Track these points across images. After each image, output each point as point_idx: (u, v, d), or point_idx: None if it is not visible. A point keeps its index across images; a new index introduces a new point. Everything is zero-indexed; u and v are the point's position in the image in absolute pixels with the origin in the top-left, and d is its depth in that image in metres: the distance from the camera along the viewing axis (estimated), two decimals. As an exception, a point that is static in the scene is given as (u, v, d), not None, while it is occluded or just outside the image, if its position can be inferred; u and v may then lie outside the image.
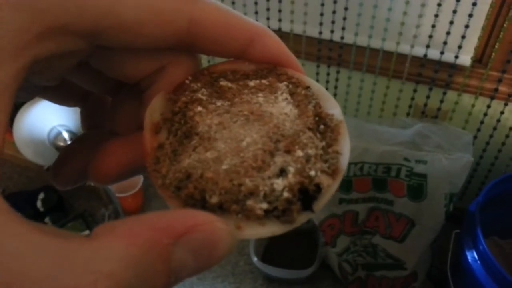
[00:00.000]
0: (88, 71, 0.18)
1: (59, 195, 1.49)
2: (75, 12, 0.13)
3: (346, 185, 1.09)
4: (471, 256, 0.95)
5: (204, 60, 1.12)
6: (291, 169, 0.15)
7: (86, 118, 0.22)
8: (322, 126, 0.18)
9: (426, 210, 1.06)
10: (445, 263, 1.08)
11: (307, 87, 0.18)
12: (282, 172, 0.15)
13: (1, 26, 0.12)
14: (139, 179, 1.47)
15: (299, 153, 0.16)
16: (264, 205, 0.15)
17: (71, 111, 1.09)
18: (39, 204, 1.43)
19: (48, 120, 1.13)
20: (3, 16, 0.12)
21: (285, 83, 0.18)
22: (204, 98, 0.17)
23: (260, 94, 0.18)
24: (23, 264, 0.10)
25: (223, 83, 0.18)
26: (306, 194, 0.16)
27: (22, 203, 1.43)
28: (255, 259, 1.26)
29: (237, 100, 0.18)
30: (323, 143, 0.17)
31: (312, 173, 0.16)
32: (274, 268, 1.24)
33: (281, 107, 0.17)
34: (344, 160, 0.17)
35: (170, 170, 0.16)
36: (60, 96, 0.21)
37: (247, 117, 0.17)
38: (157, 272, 0.12)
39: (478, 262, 0.94)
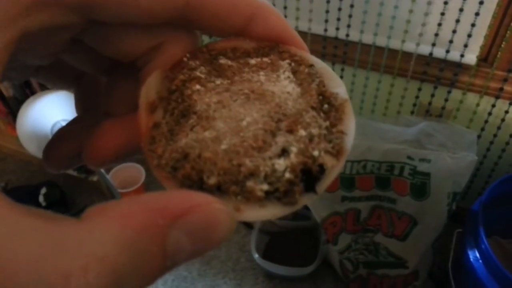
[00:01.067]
0: (82, 49, 0.18)
1: (61, 190, 1.50)
2: None
3: (349, 183, 1.09)
4: (473, 255, 0.95)
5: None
6: (293, 149, 0.15)
7: (79, 100, 0.22)
8: (326, 106, 0.17)
9: (428, 209, 1.06)
10: (447, 262, 1.08)
11: (311, 65, 0.18)
12: (284, 152, 0.15)
13: None
14: (141, 175, 1.47)
15: (302, 132, 0.15)
16: (265, 186, 0.14)
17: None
18: (41, 198, 1.44)
19: (51, 115, 1.13)
20: None
21: (287, 61, 0.18)
22: (202, 76, 0.17)
23: (261, 73, 0.17)
24: (10, 248, 0.10)
25: (222, 61, 0.17)
26: (309, 175, 0.15)
27: (24, 198, 1.44)
28: (256, 255, 1.26)
29: (237, 78, 0.17)
30: (327, 123, 0.16)
31: (316, 153, 0.15)
32: (275, 265, 1.25)
33: (283, 86, 0.17)
34: (349, 140, 0.16)
35: (166, 150, 0.15)
36: (52, 77, 0.20)
37: (247, 95, 0.16)
38: (152, 255, 0.12)
39: (480, 261, 0.94)
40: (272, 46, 0.18)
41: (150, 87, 0.17)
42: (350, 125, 0.17)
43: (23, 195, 1.45)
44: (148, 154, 0.16)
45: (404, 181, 1.06)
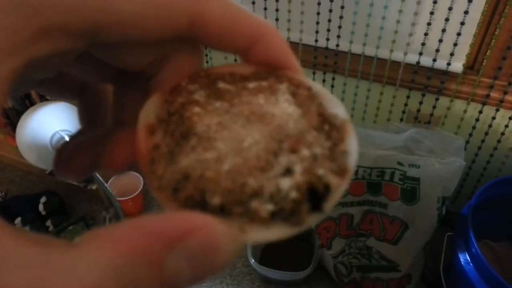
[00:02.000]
0: (88, 60, 0.17)
1: (60, 198, 1.52)
2: (72, 10, 0.13)
3: (341, 188, 1.11)
4: (464, 258, 0.97)
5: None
6: (298, 168, 0.15)
7: (82, 112, 0.22)
8: (327, 126, 0.17)
9: (419, 213, 1.07)
10: (439, 265, 1.10)
11: (309, 88, 0.18)
12: (288, 172, 0.15)
13: None
14: (139, 183, 1.50)
15: (305, 152, 0.15)
16: (270, 206, 0.14)
17: (72, 116, 1.11)
18: (41, 207, 1.46)
19: (51, 125, 1.15)
20: None
21: (285, 84, 0.17)
22: (201, 99, 0.17)
23: (260, 96, 0.17)
24: (4, 276, 0.10)
25: (221, 85, 0.17)
26: (315, 194, 0.15)
27: (24, 207, 1.45)
28: (252, 261, 1.28)
29: (237, 101, 0.17)
30: (330, 143, 0.16)
31: (321, 172, 0.15)
32: (271, 270, 1.26)
33: (283, 108, 0.16)
34: (352, 159, 0.16)
35: (167, 171, 0.15)
36: (55, 89, 0.20)
37: (248, 117, 0.16)
38: (148, 282, 0.11)
39: (471, 264, 0.95)
40: (269, 71, 0.18)
41: (149, 111, 0.17)
42: (352, 144, 0.17)
43: (23, 204, 1.47)
44: (148, 176, 0.15)
45: (395, 186, 1.08)
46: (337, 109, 0.18)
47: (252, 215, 0.14)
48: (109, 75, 0.20)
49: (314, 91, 0.18)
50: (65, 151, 0.20)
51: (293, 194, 0.14)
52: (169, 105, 0.17)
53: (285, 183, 0.14)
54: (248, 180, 0.14)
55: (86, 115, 0.22)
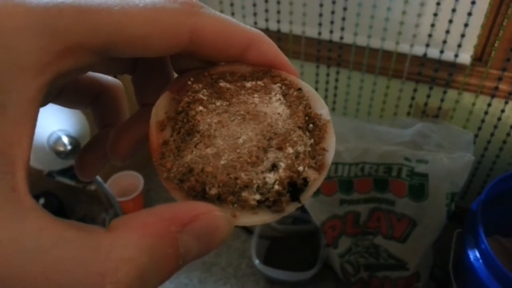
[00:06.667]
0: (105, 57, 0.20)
1: (59, 200, 1.49)
2: (90, 32, 0.15)
3: (347, 185, 1.09)
4: (473, 255, 0.95)
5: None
6: (282, 165, 0.17)
7: (98, 119, 0.24)
8: (311, 125, 0.19)
9: (427, 209, 1.05)
10: (448, 262, 1.08)
11: (299, 89, 0.20)
12: (274, 167, 0.17)
13: (26, 48, 0.14)
14: (139, 183, 1.47)
15: (290, 150, 0.17)
16: (257, 196, 0.17)
17: (70, 115, 1.09)
18: (39, 209, 1.44)
19: (48, 125, 1.12)
20: (27, 39, 0.14)
21: (278, 84, 0.20)
22: (205, 98, 0.19)
23: (255, 95, 0.19)
24: (56, 255, 0.13)
25: (222, 84, 0.19)
26: (294, 187, 0.17)
27: (23, 208, 1.43)
28: (257, 261, 1.26)
29: (235, 100, 0.19)
30: (312, 141, 0.19)
31: (301, 168, 0.17)
32: (276, 270, 1.24)
33: (275, 107, 0.19)
34: (330, 156, 0.19)
35: (174, 164, 0.17)
36: (71, 99, 0.23)
37: (243, 116, 0.18)
38: (168, 256, 0.14)
39: (480, 261, 0.93)
40: (265, 71, 0.20)
41: (159, 108, 0.19)
42: (331, 143, 0.19)
43: (21, 206, 1.45)
44: (159, 168, 0.18)
45: (402, 183, 1.06)
46: (322, 110, 0.20)
47: (243, 203, 0.17)
48: (125, 66, 0.22)
49: (304, 91, 0.20)
50: (88, 156, 0.23)
51: (277, 187, 0.17)
52: (177, 104, 0.19)
53: (271, 177, 0.17)
54: (240, 175, 0.17)
55: (102, 121, 0.24)
